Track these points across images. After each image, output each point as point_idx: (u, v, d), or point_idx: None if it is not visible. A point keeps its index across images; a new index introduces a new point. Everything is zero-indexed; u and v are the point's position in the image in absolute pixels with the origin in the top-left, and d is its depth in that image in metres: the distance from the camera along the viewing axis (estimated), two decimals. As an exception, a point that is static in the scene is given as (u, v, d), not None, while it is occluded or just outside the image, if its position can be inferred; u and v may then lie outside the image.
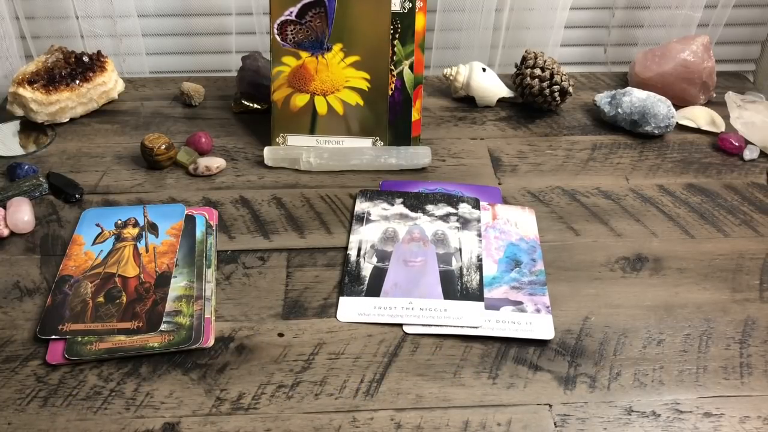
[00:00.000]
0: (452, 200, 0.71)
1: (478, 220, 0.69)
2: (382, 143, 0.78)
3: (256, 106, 0.86)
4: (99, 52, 0.87)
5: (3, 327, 0.57)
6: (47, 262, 0.64)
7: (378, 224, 0.68)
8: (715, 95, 0.91)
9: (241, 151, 0.80)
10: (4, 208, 0.68)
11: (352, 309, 0.59)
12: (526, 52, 0.87)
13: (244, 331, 0.57)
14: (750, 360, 0.56)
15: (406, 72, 0.77)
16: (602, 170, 0.78)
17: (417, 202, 0.71)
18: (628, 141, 0.83)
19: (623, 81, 0.96)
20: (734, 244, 0.68)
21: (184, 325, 0.56)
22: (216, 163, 0.76)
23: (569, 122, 0.87)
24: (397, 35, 0.75)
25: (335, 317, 0.59)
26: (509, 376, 0.54)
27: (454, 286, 0.61)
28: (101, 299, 0.59)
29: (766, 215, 0.72)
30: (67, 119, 0.84)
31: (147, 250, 0.64)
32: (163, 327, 0.56)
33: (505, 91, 0.89)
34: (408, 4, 0.74)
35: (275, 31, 0.74)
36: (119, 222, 0.67)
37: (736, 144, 0.81)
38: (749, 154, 0.80)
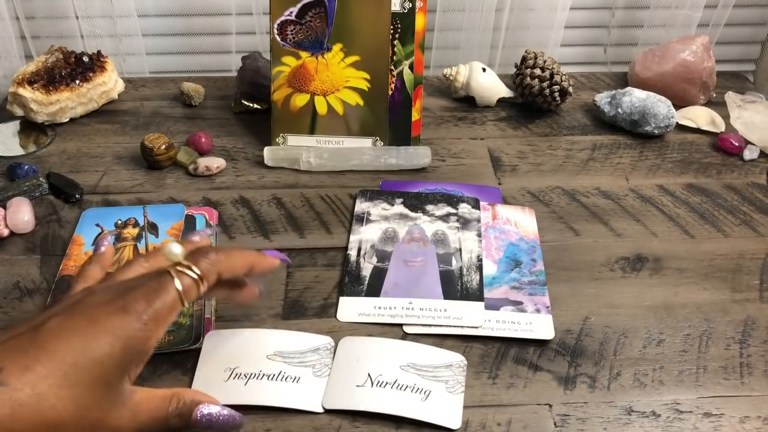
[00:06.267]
0: (452, 200, 0.71)
1: (478, 220, 0.69)
2: (382, 143, 0.78)
3: (256, 106, 0.86)
4: (99, 52, 0.87)
5: (3, 327, 0.57)
6: (47, 262, 0.64)
7: (378, 224, 0.68)
8: (715, 95, 0.91)
9: (241, 151, 0.80)
10: (4, 208, 0.68)
11: (352, 309, 0.59)
12: (526, 52, 0.87)
13: (244, 331, 0.57)
14: (750, 360, 0.56)
15: (406, 72, 0.77)
16: (602, 170, 0.78)
17: (417, 202, 0.71)
18: (628, 141, 0.83)
19: (623, 81, 0.96)
20: (734, 244, 0.68)
21: (184, 325, 0.56)
22: (216, 163, 0.76)
23: (569, 122, 0.87)
24: (397, 35, 0.75)
25: (335, 317, 0.59)
26: (509, 376, 0.54)
27: (454, 286, 0.61)
28: (101, 299, 0.59)
29: (766, 215, 0.72)
30: (67, 119, 0.84)
31: (147, 251, 0.64)
32: None
33: (505, 91, 0.89)
34: (408, 4, 0.74)
35: (275, 31, 0.74)
36: (119, 222, 0.67)
37: (736, 144, 0.81)
38: (749, 154, 0.80)
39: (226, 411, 0.46)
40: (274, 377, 0.52)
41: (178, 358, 0.55)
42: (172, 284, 0.43)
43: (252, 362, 0.53)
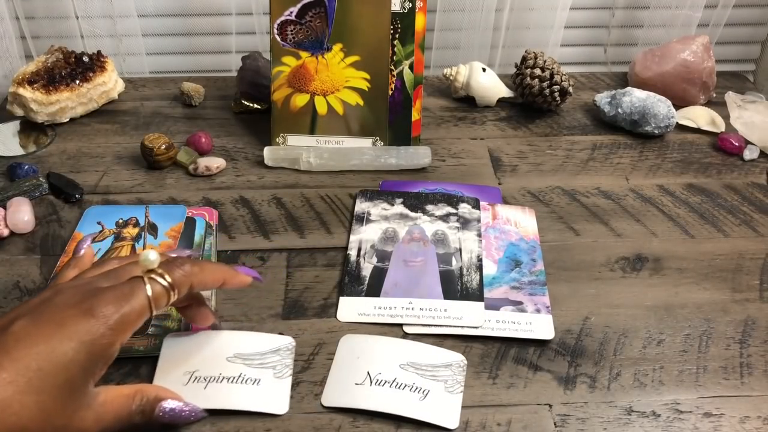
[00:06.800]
0: (452, 200, 0.71)
1: (478, 220, 0.69)
2: (382, 143, 0.78)
3: (256, 106, 0.86)
4: (99, 52, 0.87)
5: (3, 327, 0.57)
6: (47, 262, 0.64)
7: (378, 224, 0.68)
8: (715, 95, 0.91)
9: (241, 151, 0.80)
10: (4, 208, 0.68)
11: (352, 309, 0.59)
12: (526, 52, 0.87)
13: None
14: (750, 360, 0.56)
15: (406, 72, 0.77)
16: (602, 170, 0.78)
17: (417, 202, 0.71)
18: (628, 141, 0.83)
19: (623, 81, 0.96)
20: (734, 244, 0.68)
21: (170, 329, 0.56)
22: (216, 163, 0.76)
23: (569, 122, 0.87)
24: (397, 35, 0.75)
25: (335, 317, 0.59)
26: (509, 376, 0.54)
27: (454, 286, 0.61)
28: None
29: (766, 215, 0.72)
30: (67, 119, 0.84)
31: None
32: (150, 330, 0.55)
33: (505, 91, 0.89)
34: (408, 4, 0.74)
35: (275, 31, 0.74)
36: (120, 221, 0.67)
37: (736, 144, 0.81)
38: (749, 154, 0.80)
39: (188, 406, 0.46)
40: (234, 380, 0.51)
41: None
42: (143, 290, 0.43)
43: (211, 365, 0.52)
